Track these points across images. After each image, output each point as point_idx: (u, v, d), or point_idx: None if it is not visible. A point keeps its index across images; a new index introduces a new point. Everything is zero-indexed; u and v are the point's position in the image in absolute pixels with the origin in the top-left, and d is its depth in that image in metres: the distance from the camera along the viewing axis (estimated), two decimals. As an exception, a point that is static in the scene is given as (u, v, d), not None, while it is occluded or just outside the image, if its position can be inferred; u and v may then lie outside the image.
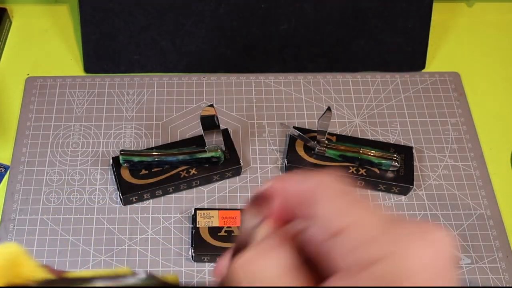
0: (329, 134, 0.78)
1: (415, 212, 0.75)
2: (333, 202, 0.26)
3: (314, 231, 0.26)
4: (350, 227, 0.25)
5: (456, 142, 0.82)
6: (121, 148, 0.78)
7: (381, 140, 0.81)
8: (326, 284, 0.24)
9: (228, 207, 0.74)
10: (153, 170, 0.75)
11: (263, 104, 0.85)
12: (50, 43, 0.91)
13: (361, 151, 0.75)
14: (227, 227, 0.70)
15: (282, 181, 0.28)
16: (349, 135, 0.81)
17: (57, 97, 0.84)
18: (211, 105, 0.71)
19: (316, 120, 0.82)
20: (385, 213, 0.26)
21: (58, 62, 0.89)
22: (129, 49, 0.86)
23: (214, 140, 0.73)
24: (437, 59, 0.91)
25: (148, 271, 0.27)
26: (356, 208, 0.26)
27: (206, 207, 0.74)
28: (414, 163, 0.78)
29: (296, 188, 0.27)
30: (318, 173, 0.27)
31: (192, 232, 0.72)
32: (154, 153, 0.74)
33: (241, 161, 0.77)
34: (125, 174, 0.74)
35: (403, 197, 0.76)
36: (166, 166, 0.75)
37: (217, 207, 0.74)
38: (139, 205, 0.75)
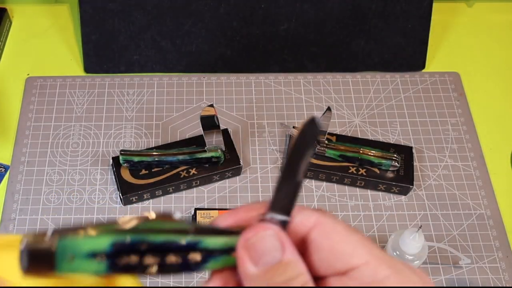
0: (329, 134, 0.79)
1: (415, 212, 0.75)
2: (333, 242, 0.27)
3: (318, 263, 0.27)
4: (358, 268, 0.26)
5: (456, 142, 0.82)
6: (121, 148, 0.78)
7: (381, 140, 0.81)
8: None
9: (228, 207, 0.74)
10: (153, 170, 0.75)
11: (263, 104, 0.85)
12: (50, 43, 0.91)
13: (361, 151, 0.75)
14: (227, 227, 0.70)
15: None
16: (349, 135, 0.81)
17: (57, 97, 0.84)
18: (211, 105, 0.71)
19: (316, 120, 0.82)
20: (389, 256, 0.27)
21: (58, 62, 0.89)
22: (129, 49, 0.86)
23: (214, 140, 0.73)
24: (437, 59, 0.91)
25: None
26: (364, 250, 0.26)
27: (206, 207, 0.74)
28: (414, 163, 0.78)
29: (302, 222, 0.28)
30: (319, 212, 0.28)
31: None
32: (154, 153, 0.74)
33: (241, 161, 0.77)
34: (125, 174, 0.74)
35: (403, 197, 0.76)
36: (166, 166, 0.75)
37: (217, 207, 0.74)
38: (139, 205, 0.75)
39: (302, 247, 0.28)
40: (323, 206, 0.75)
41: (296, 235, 0.27)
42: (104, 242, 0.26)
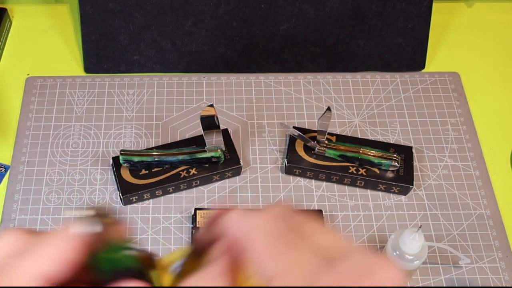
0: (329, 134, 0.79)
1: (415, 212, 0.75)
2: (266, 248, 0.26)
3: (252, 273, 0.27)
4: (280, 275, 0.25)
5: (456, 142, 0.82)
6: (121, 148, 0.78)
7: (381, 140, 0.81)
8: None
9: (228, 207, 0.74)
10: (153, 170, 0.75)
11: (263, 104, 0.85)
12: (50, 43, 0.91)
13: (361, 151, 0.75)
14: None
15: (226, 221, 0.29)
16: (349, 135, 0.81)
17: (57, 97, 0.84)
18: (211, 105, 0.71)
19: (316, 120, 0.82)
20: (328, 244, 0.26)
21: (58, 62, 0.89)
22: (129, 49, 0.86)
23: (214, 140, 0.73)
24: (437, 59, 0.91)
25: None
26: (288, 253, 0.26)
27: (206, 207, 0.74)
28: (414, 163, 0.78)
29: (233, 230, 0.28)
30: (258, 213, 0.28)
31: (192, 232, 0.72)
32: (154, 153, 0.74)
33: (241, 161, 0.77)
34: (125, 174, 0.74)
35: (403, 197, 0.77)
36: (166, 166, 0.75)
37: (217, 207, 0.74)
38: (139, 205, 0.75)
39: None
40: (323, 206, 0.75)
41: None
42: None
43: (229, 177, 0.77)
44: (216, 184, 0.77)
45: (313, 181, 0.78)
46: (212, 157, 0.74)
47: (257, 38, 0.86)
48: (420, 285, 0.70)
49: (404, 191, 0.76)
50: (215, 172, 0.75)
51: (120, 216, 0.75)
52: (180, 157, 0.74)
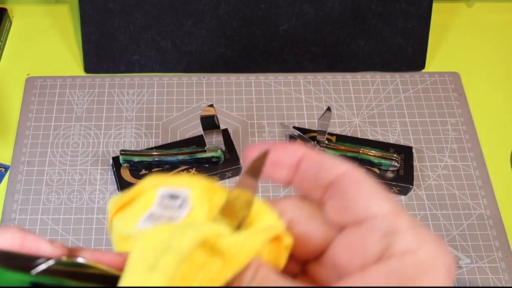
0: (329, 134, 0.79)
1: (415, 212, 0.75)
2: (360, 189, 0.26)
3: (337, 209, 0.27)
4: (375, 218, 0.25)
5: (456, 142, 0.82)
6: (121, 148, 0.78)
7: (381, 140, 0.81)
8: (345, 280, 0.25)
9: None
10: (153, 170, 0.75)
11: (263, 104, 0.85)
12: (50, 43, 0.91)
13: (361, 151, 0.75)
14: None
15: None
16: (349, 135, 0.81)
17: (57, 97, 0.84)
18: (211, 105, 0.71)
19: (316, 120, 0.82)
20: (409, 215, 0.26)
21: (58, 62, 0.89)
22: (129, 49, 0.86)
23: (214, 140, 0.73)
24: (437, 59, 0.91)
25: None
26: (387, 203, 0.26)
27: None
28: (414, 163, 0.78)
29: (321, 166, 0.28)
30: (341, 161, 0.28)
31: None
32: (154, 153, 0.74)
33: (241, 161, 0.77)
34: (125, 174, 0.74)
35: (403, 197, 0.77)
36: (166, 166, 0.75)
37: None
38: (139, 205, 0.75)
39: (325, 191, 0.28)
40: (323, 206, 0.75)
41: (324, 178, 0.27)
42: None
43: (229, 177, 0.77)
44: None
45: (313, 181, 0.77)
46: (212, 157, 0.74)
47: (257, 38, 0.86)
48: (420, 285, 0.70)
49: (404, 191, 0.76)
50: (215, 172, 0.75)
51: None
52: (180, 157, 0.74)
